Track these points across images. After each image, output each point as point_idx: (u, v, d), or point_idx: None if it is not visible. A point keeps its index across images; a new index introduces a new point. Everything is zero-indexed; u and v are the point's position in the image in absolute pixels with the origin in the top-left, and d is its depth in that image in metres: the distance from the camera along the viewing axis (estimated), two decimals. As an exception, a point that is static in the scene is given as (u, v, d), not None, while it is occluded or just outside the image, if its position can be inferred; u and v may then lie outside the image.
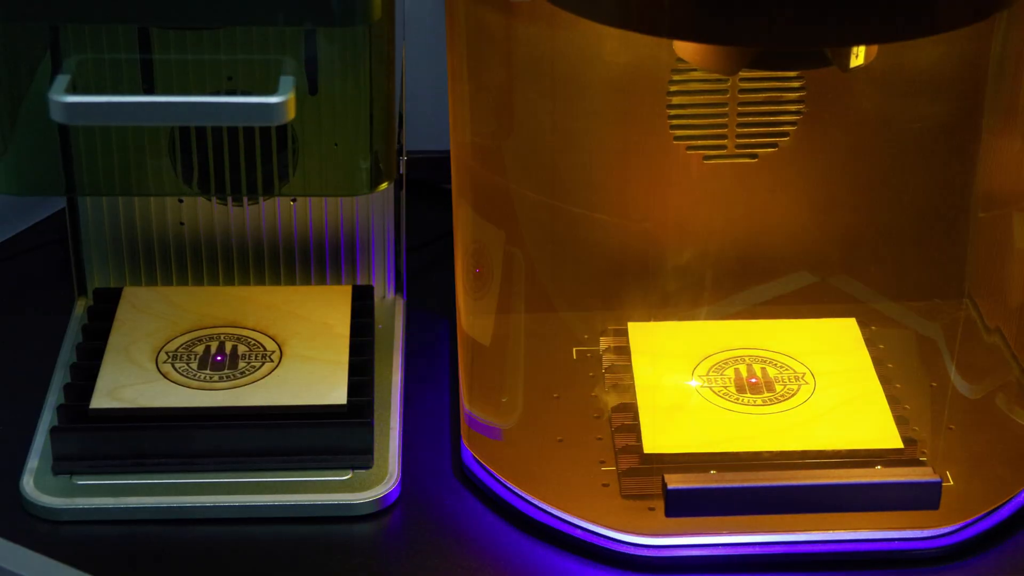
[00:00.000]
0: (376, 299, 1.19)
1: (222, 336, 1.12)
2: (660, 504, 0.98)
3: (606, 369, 1.13)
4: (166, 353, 1.10)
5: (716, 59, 0.93)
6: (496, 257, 1.07)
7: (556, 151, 1.09)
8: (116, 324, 1.13)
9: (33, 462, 1.05)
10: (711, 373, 1.10)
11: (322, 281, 1.20)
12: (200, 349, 1.10)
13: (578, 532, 1.01)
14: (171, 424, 1.04)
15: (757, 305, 1.16)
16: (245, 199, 1.16)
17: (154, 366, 1.09)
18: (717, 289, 1.15)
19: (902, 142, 1.12)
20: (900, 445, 1.04)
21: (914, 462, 1.03)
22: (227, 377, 1.08)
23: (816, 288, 1.16)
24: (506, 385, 1.11)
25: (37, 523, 1.02)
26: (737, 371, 1.11)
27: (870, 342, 1.14)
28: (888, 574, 0.99)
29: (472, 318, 1.08)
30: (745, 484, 0.96)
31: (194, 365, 1.09)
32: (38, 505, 1.02)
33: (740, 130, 1.11)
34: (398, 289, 1.21)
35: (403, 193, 1.18)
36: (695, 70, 1.08)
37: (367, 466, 1.05)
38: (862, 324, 1.15)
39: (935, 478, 0.97)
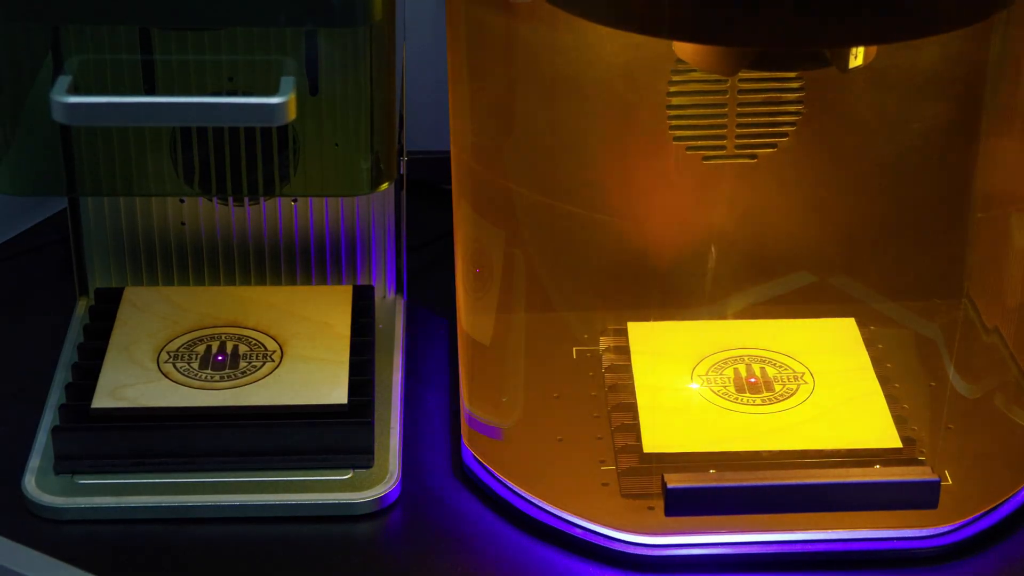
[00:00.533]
0: (376, 299, 1.20)
1: (223, 336, 1.12)
2: (660, 503, 0.98)
3: (606, 369, 1.13)
4: (167, 353, 1.10)
5: (715, 60, 0.93)
6: (496, 257, 1.07)
7: (556, 151, 1.09)
8: (117, 324, 1.13)
9: (35, 461, 1.05)
10: (710, 373, 1.11)
11: (323, 281, 1.20)
12: (201, 349, 1.10)
13: (578, 531, 1.01)
14: (172, 423, 1.04)
15: (756, 305, 1.16)
16: (246, 199, 1.16)
17: (155, 366, 1.09)
18: (716, 289, 1.15)
19: (901, 142, 1.12)
20: (899, 444, 1.04)
21: (913, 461, 1.03)
22: (228, 377, 1.08)
23: (815, 288, 1.16)
24: (506, 385, 1.11)
25: (39, 522, 1.02)
26: (736, 371, 1.11)
27: (869, 342, 1.14)
28: (887, 573, 0.99)
29: (472, 318, 1.08)
30: (744, 483, 0.96)
31: (195, 365, 1.09)
32: (40, 504, 1.02)
33: (739, 130, 1.11)
34: (398, 289, 1.21)
35: (403, 193, 1.18)
36: (694, 71, 1.08)
37: (367, 465, 1.05)
38: (861, 324, 1.15)
39: (934, 477, 0.97)
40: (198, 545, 1.01)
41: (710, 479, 0.98)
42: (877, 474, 0.99)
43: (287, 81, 0.92)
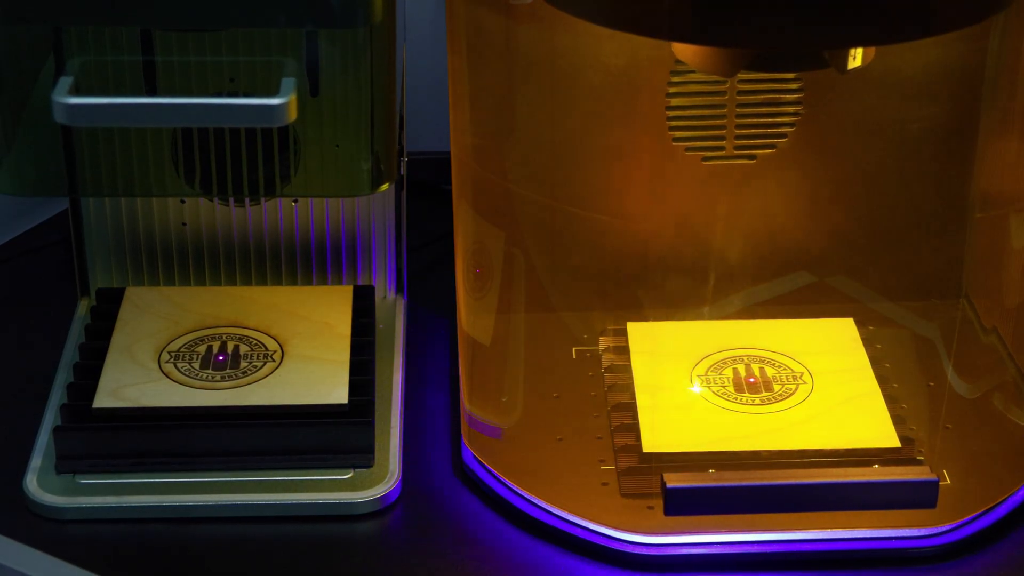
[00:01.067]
0: (377, 299, 1.20)
1: (224, 336, 1.12)
2: (659, 503, 0.98)
3: (605, 369, 1.13)
4: (168, 353, 1.10)
5: (715, 61, 0.93)
6: (496, 257, 1.07)
7: (556, 152, 1.09)
8: (119, 324, 1.13)
9: (36, 461, 1.05)
10: (710, 373, 1.11)
11: (323, 281, 1.20)
12: (202, 349, 1.11)
13: (578, 531, 1.01)
14: (173, 423, 1.04)
15: (756, 305, 1.16)
16: (247, 200, 1.17)
17: (156, 366, 1.09)
18: (716, 289, 1.15)
19: (899, 143, 1.12)
20: (897, 444, 1.04)
21: (911, 461, 1.04)
22: (229, 377, 1.08)
23: (814, 288, 1.16)
24: (506, 384, 1.11)
25: (40, 522, 1.02)
26: (736, 371, 1.11)
27: (868, 342, 1.14)
28: (886, 573, 0.99)
29: (472, 318, 1.08)
30: (743, 483, 0.96)
31: (196, 365, 1.09)
32: (41, 504, 1.03)
33: (739, 131, 1.11)
34: (399, 289, 1.21)
35: (404, 194, 1.18)
36: (694, 72, 1.08)
37: (368, 465, 1.05)
38: (860, 324, 1.15)
39: (932, 477, 0.97)
40: (199, 545, 1.01)
41: (709, 479, 0.98)
42: (876, 474, 0.99)
43: (288, 82, 0.93)
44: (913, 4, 0.87)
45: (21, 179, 1.01)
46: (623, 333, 1.14)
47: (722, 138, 1.11)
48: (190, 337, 1.12)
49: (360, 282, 1.20)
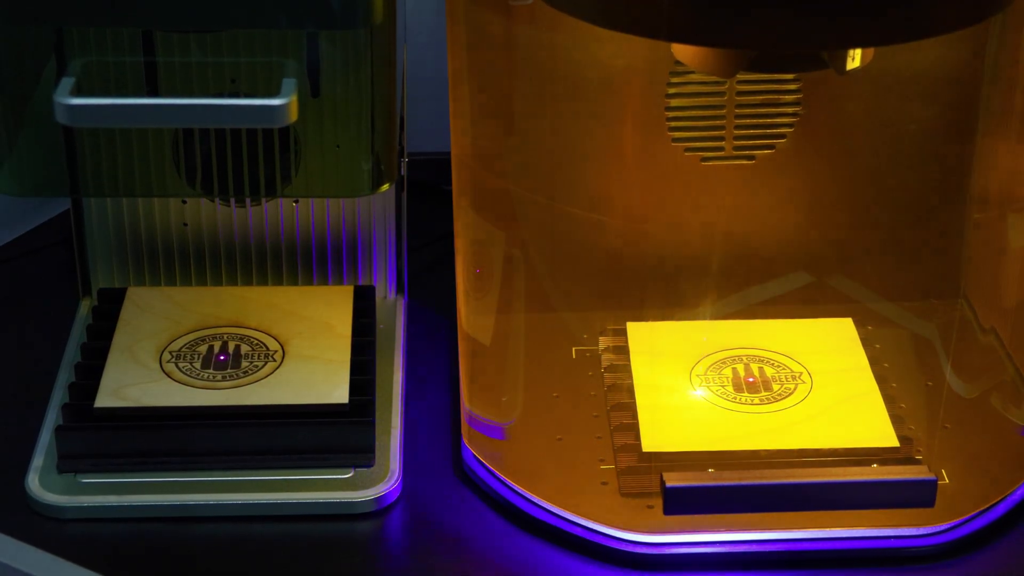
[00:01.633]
0: (377, 299, 1.20)
1: (225, 336, 1.12)
2: (659, 502, 0.98)
3: (605, 368, 1.13)
4: (170, 352, 1.10)
5: (714, 62, 0.93)
6: (496, 257, 1.07)
7: (555, 152, 1.09)
8: (120, 324, 1.13)
9: (38, 460, 1.06)
10: (709, 372, 1.11)
11: (324, 281, 1.20)
12: (203, 349, 1.11)
13: (577, 530, 1.01)
14: (175, 423, 1.05)
15: (755, 305, 1.16)
16: (248, 200, 1.17)
17: (158, 365, 1.09)
18: (715, 289, 1.15)
19: (898, 144, 1.12)
20: (896, 444, 1.04)
21: (910, 460, 1.04)
22: (230, 376, 1.08)
23: (813, 288, 1.16)
24: (506, 384, 1.11)
25: (42, 521, 1.03)
26: (735, 370, 1.11)
27: (866, 342, 1.14)
28: (884, 572, 0.99)
29: (472, 318, 1.08)
30: (743, 482, 0.96)
31: (197, 364, 1.09)
32: (43, 503, 1.03)
33: (738, 132, 1.11)
34: (399, 289, 1.21)
35: (404, 194, 1.18)
36: (693, 73, 1.08)
37: (368, 464, 1.06)
38: (859, 324, 1.15)
39: (930, 476, 0.97)
40: (200, 544, 1.01)
41: (709, 478, 0.98)
42: (874, 473, 0.99)
43: (289, 83, 0.93)
44: (912, 5, 0.87)
45: (23, 179, 1.01)
46: (623, 333, 1.15)
47: (721, 138, 1.12)
48: (191, 337, 1.12)
49: (361, 282, 1.21)
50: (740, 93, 1.10)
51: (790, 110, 1.11)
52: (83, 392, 1.07)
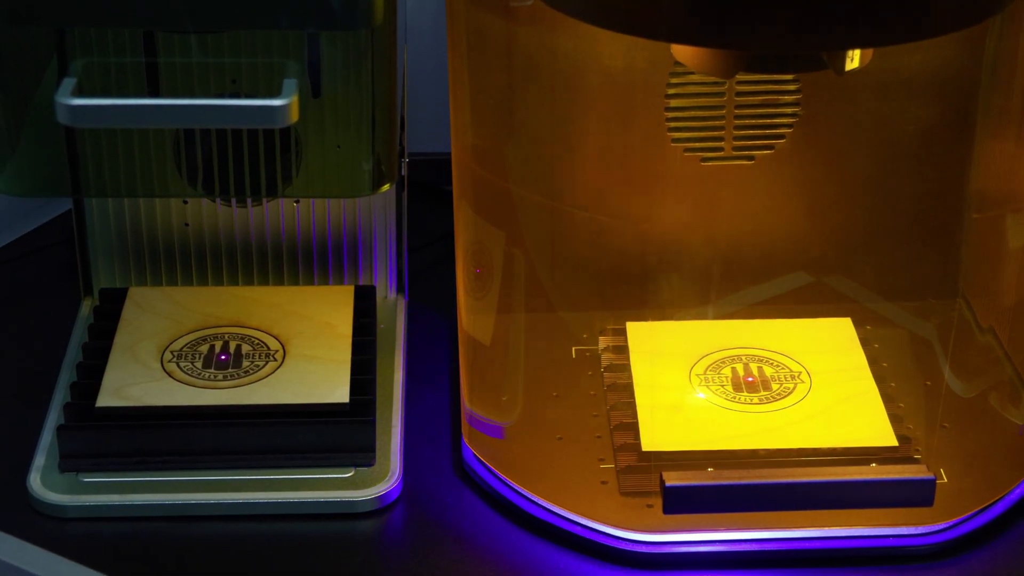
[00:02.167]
0: (378, 299, 1.20)
1: (226, 335, 1.13)
2: (658, 501, 0.98)
3: (605, 368, 1.13)
4: (171, 352, 1.11)
5: (713, 62, 0.93)
6: (496, 257, 1.07)
7: (555, 153, 1.09)
8: (122, 324, 1.13)
9: (40, 460, 1.06)
10: (708, 372, 1.11)
11: (325, 281, 1.21)
12: (205, 348, 1.11)
13: (577, 529, 1.01)
14: (176, 422, 1.05)
15: (754, 305, 1.16)
16: (249, 200, 1.17)
17: (159, 365, 1.09)
18: (714, 289, 1.15)
19: (897, 144, 1.12)
20: (895, 443, 1.04)
21: (908, 460, 1.04)
22: (231, 376, 1.08)
23: (812, 288, 1.16)
24: (506, 384, 1.11)
25: (44, 520, 1.03)
26: (734, 370, 1.11)
27: (865, 341, 1.14)
28: (883, 570, 1.00)
29: (472, 318, 1.09)
30: (742, 481, 0.97)
31: (199, 364, 1.10)
32: (45, 502, 1.03)
33: (737, 132, 1.12)
34: (400, 289, 1.22)
35: (404, 194, 1.18)
36: (692, 73, 1.08)
37: (369, 464, 1.06)
38: (857, 324, 1.15)
39: (929, 475, 0.97)
40: (201, 543, 1.02)
41: (708, 477, 0.98)
42: (873, 472, 0.99)
43: (289, 83, 0.93)
44: (910, 6, 0.87)
45: (24, 180, 1.01)
46: (622, 333, 1.15)
47: (721, 139, 1.12)
48: (192, 337, 1.12)
49: (361, 282, 1.21)
50: (739, 94, 1.10)
51: (789, 110, 1.12)
52: (85, 391, 1.07)
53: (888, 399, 1.09)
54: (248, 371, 1.09)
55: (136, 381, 1.07)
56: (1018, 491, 1.05)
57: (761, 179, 1.13)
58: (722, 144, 1.12)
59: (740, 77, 1.09)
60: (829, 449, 1.04)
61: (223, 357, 1.10)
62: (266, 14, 0.91)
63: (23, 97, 0.98)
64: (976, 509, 1.02)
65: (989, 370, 1.11)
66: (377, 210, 1.19)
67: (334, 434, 1.05)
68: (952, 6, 0.88)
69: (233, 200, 1.17)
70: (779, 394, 1.09)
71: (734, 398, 1.09)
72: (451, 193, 1.07)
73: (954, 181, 1.10)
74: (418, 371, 1.17)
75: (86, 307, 1.20)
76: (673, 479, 0.97)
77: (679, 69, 1.09)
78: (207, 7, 0.90)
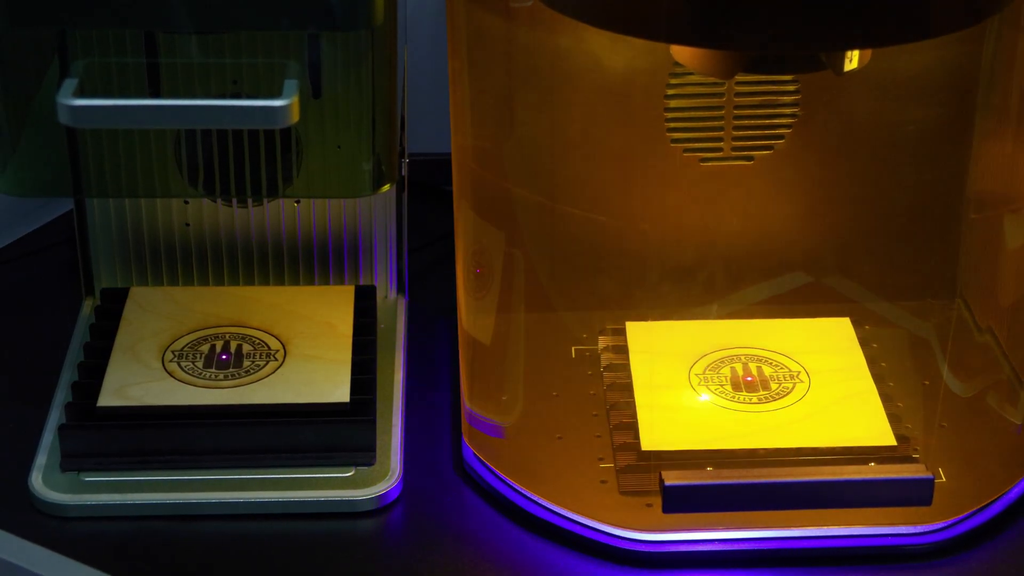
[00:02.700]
0: (378, 299, 1.20)
1: (227, 335, 1.13)
2: (657, 500, 0.98)
3: (604, 368, 1.14)
4: (172, 352, 1.11)
5: (712, 63, 0.93)
6: (496, 257, 1.07)
7: (555, 153, 1.09)
8: (123, 323, 1.13)
9: (41, 459, 1.06)
10: (708, 372, 1.11)
11: (325, 281, 1.21)
12: (206, 348, 1.11)
13: (577, 528, 1.02)
14: (177, 422, 1.05)
15: (753, 305, 1.17)
16: (250, 201, 1.17)
17: (160, 365, 1.09)
18: (713, 289, 1.15)
19: (895, 144, 1.12)
20: (893, 442, 1.04)
21: (907, 459, 1.04)
22: (232, 376, 1.09)
23: (811, 288, 1.16)
24: (506, 383, 1.11)
25: (45, 519, 1.03)
26: (733, 370, 1.11)
27: (864, 341, 1.14)
28: (882, 569, 1.00)
29: (473, 317, 1.09)
30: (741, 481, 0.97)
31: (200, 364, 1.10)
32: (46, 501, 1.03)
33: (736, 133, 1.12)
34: (400, 289, 1.22)
35: (405, 195, 1.18)
36: (692, 74, 1.08)
37: (369, 463, 1.06)
38: (856, 324, 1.16)
39: (927, 475, 0.97)
40: (202, 542, 1.02)
41: (707, 476, 0.98)
42: (872, 472, 0.99)
43: (290, 84, 0.93)
44: (909, 7, 0.87)
45: (26, 180, 1.01)
46: (622, 332, 1.15)
47: (720, 139, 1.12)
48: (193, 336, 1.12)
49: (361, 282, 1.21)
50: (739, 94, 1.10)
51: (788, 111, 1.12)
52: (86, 391, 1.07)
53: (887, 399, 1.09)
54: (249, 371, 1.09)
55: (137, 381, 1.08)
56: (1016, 490, 1.05)
57: (760, 179, 1.13)
58: (721, 144, 1.12)
59: (739, 78, 1.10)
60: (828, 448, 1.04)
61: (224, 357, 1.10)
62: (267, 15, 0.91)
63: (25, 97, 0.98)
64: (974, 508, 1.02)
65: (987, 370, 1.11)
66: (377, 210, 1.19)
67: (334, 433, 1.05)
68: (951, 7, 0.89)
69: (234, 200, 1.17)
70: (778, 394, 1.09)
71: (733, 398, 1.09)
72: (451, 193, 1.07)
73: (953, 181, 1.10)
74: (418, 371, 1.17)
75: (87, 307, 1.20)
76: (672, 478, 0.97)
77: (678, 70, 1.09)
78: (208, 8, 0.90)
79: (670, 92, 1.10)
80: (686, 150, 1.12)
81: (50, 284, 1.26)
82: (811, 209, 1.15)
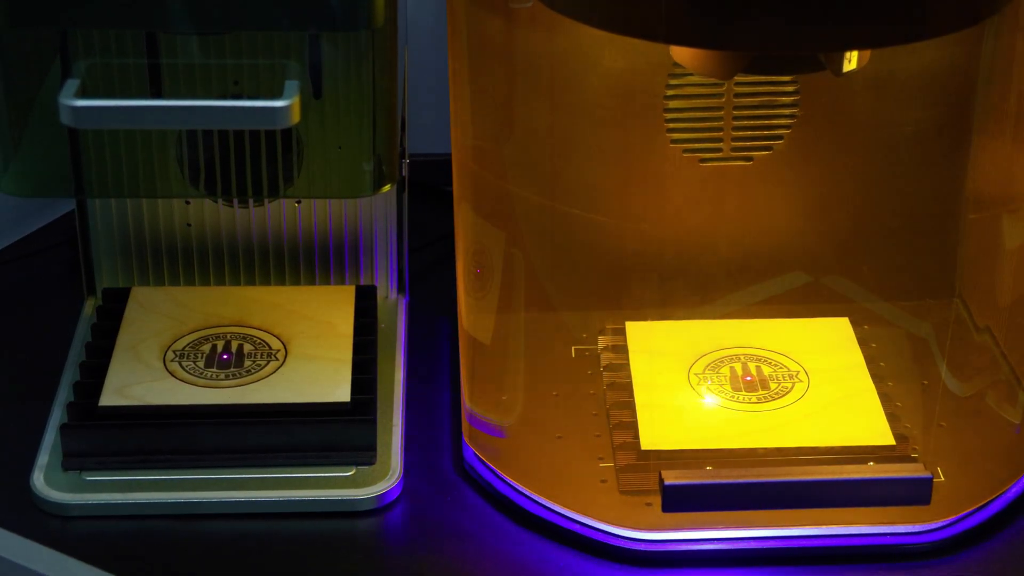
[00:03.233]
0: (379, 299, 1.20)
1: (228, 335, 1.13)
2: (657, 499, 0.98)
3: (604, 367, 1.14)
4: (173, 352, 1.11)
5: (712, 64, 0.93)
6: (496, 257, 1.07)
7: (555, 154, 1.09)
8: (124, 323, 1.13)
9: (43, 458, 1.06)
10: (707, 371, 1.11)
11: (326, 281, 1.21)
12: (207, 348, 1.11)
13: (577, 527, 1.02)
14: (178, 421, 1.05)
15: (752, 305, 1.16)
16: (251, 201, 1.17)
17: (162, 364, 1.10)
18: (713, 289, 1.15)
19: (894, 145, 1.12)
20: (892, 442, 1.04)
21: (906, 458, 1.04)
22: (233, 375, 1.09)
23: (810, 288, 1.16)
24: (506, 383, 1.11)
25: (47, 518, 1.03)
26: (733, 369, 1.11)
27: (863, 341, 1.14)
28: (880, 568, 1.00)
29: (473, 317, 1.09)
30: (740, 480, 0.97)
31: (201, 363, 1.10)
32: (48, 501, 1.03)
33: (735, 133, 1.12)
34: (400, 289, 1.22)
35: (405, 195, 1.18)
36: (691, 74, 1.08)
37: (370, 463, 1.06)
38: (855, 323, 1.16)
39: (926, 474, 0.97)
40: (203, 541, 1.02)
41: (707, 476, 0.98)
42: (871, 471, 0.99)
43: (291, 85, 0.93)
44: (908, 7, 0.87)
45: (28, 180, 1.01)
46: (622, 332, 1.15)
47: (719, 140, 1.12)
48: (195, 336, 1.13)
49: (362, 282, 1.21)
50: (738, 95, 1.10)
51: (788, 111, 1.12)
52: (87, 391, 1.08)
53: (885, 398, 1.09)
54: (250, 370, 1.09)
55: (139, 380, 1.08)
56: (1014, 489, 1.05)
57: (760, 180, 1.13)
58: (721, 145, 1.12)
59: (739, 78, 1.10)
60: (827, 448, 1.04)
61: (225, 356, 1.10)
62: (268, 15, 0.91)
63: (26, 98, 0.98)
64: (973, 507, 1.03)
65: (986, 369, 1.11)
66: (378, 210, 1.19)
67: (335, 433, 1.05)
68: (949, 8, 0.89)
69: (235, 200, 1.17)
70: (777, 393, 1.09)
71: (733, 397, 1.09)
72: (451, 193, 1.07)
73: (951, 182, 1.10)
74: (418, 370, 1.17)
75: (89, 307, 1.21)
76: (672, 477, 0.97)
77: (678, 70, 1.09)
78: (209, 9, 0.91)
79: (670, 93, 1.10)
80: (686, 150, 1.12)
81: (52, 284, 1.27)
82: (810, 209, 1.15)
